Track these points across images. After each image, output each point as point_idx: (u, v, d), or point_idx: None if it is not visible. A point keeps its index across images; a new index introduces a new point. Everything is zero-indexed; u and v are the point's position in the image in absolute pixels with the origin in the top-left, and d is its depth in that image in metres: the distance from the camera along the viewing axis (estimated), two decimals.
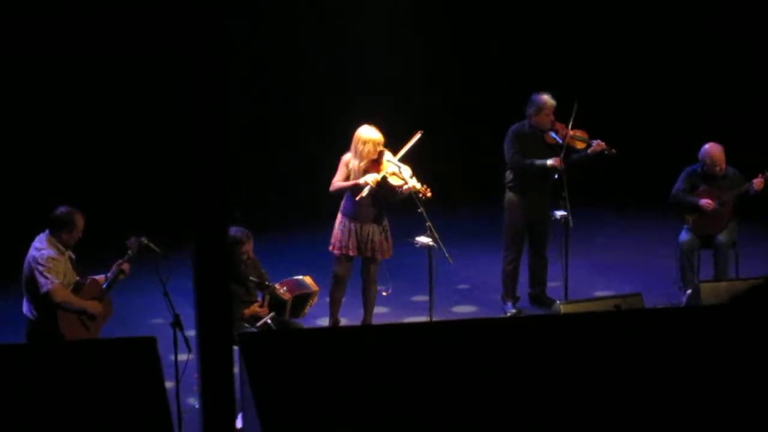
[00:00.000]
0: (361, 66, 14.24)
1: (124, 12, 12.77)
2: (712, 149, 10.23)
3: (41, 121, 13.05)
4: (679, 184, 10.36)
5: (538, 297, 10.64)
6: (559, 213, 9.99)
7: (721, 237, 10.26)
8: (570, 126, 10.19)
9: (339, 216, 9.64)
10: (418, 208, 9.21)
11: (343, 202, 9.68)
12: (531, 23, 15.01)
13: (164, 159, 12.18)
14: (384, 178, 9.39)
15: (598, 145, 10.16)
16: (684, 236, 10.34)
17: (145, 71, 13.02)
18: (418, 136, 9.50)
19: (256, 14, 13.77)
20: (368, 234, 9.59)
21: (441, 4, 14.89)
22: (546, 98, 10.27)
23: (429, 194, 9.28)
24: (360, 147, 9.45)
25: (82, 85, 13.18)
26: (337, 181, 9.58)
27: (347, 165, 9.56)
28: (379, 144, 9.45)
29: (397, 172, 9.37)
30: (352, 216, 9.58)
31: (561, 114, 10.28)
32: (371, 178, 9.38)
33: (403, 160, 9.54)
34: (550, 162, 10.13)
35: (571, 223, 9.95)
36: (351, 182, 9.49)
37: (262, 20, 13.98)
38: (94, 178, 13.02)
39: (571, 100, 10.05)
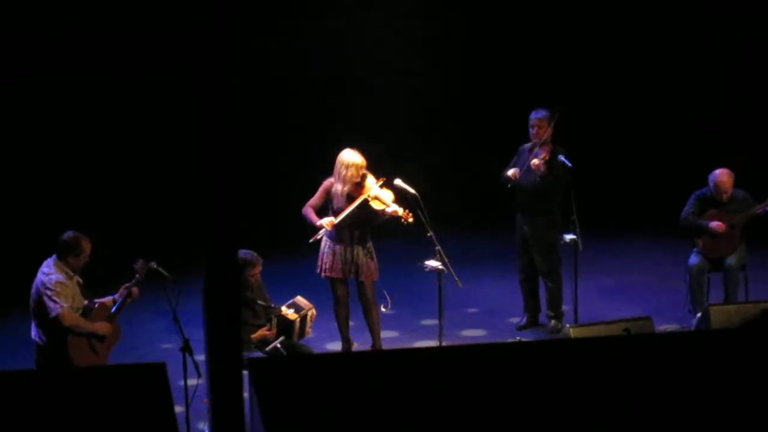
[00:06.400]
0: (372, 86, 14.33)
1: (134, 32, 12.79)
2: (720, 176, 10.20)
3: (48, 144, 13.05)
4: (688, 208, 10.33)
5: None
6: (569, 236, 9.94)
7: (731, 260, 10.22)
8: (539, 145, 10.13)
9: (324, 238, 9.67)
10: (428, 232, 9.23)
11: None
12: (554, 46, 14.99)
13: (174, 183, 12.18)
14: (366, 202, 9.47)
15: (534, 163, 10.04)
16: (693, 259, 10.31)
17: (157, 93, 13.03)
18: (381, 182, 9.56)
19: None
20: (352, 256, 9.61)
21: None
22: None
23: (411, 219, 9.37)
24: (343, 171, 9.52)
25: (91, 107, 13.19)
26: (308, 207, 9.65)
27: (326, 191, 9.64)
28: (361, 167, 9.51)
29: (380, 197, 9.45)
30: (334, 239, 9.63)
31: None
32: (327, 221, 9.47)
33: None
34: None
35: (580, 246, 9.91)
36: (312, 220, 9.55)
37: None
38: (103, 202, 13.01)
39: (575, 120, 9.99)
